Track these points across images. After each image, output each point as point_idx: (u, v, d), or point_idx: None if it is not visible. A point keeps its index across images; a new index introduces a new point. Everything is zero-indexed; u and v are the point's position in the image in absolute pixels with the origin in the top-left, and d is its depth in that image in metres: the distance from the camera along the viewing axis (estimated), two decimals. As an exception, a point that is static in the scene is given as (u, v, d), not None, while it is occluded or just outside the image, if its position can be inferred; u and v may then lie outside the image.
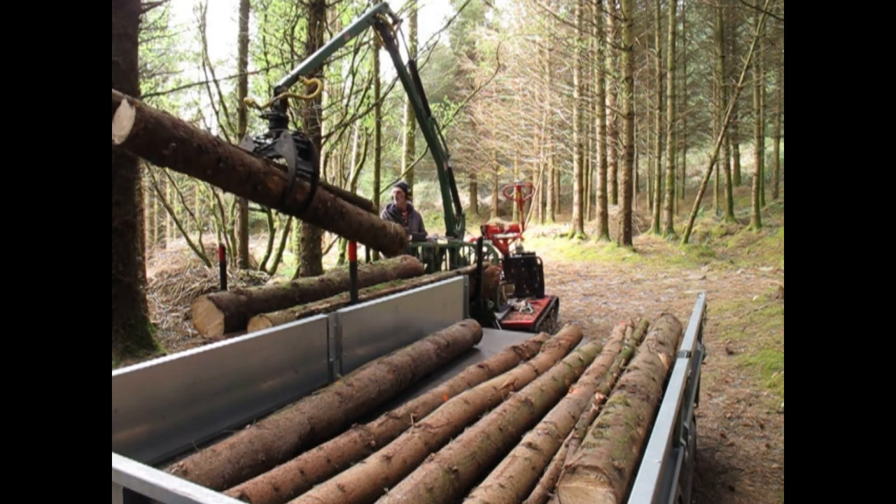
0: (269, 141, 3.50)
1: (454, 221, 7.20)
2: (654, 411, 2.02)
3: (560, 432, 2.08)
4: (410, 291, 3.88)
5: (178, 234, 17.66)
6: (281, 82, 3.89)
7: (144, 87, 10.44)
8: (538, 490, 1.71)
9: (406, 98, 18.21)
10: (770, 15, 13.45)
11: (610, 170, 20.02)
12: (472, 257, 6.74)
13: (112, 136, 2.35)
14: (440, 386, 2.64)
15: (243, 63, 12.64)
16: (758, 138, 20.42)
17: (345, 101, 12.34)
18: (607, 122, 19.18)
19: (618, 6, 17.39)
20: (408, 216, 7.32)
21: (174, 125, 2.50)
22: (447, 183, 7.02)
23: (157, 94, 12.81)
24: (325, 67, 9.62)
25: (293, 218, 12.21)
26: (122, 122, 2.33)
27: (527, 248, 9.14)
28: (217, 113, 12.49)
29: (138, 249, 6.21)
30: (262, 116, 3.77)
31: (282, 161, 3.44)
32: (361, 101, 12.07)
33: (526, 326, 6.17)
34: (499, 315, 6.25)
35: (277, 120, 3.67)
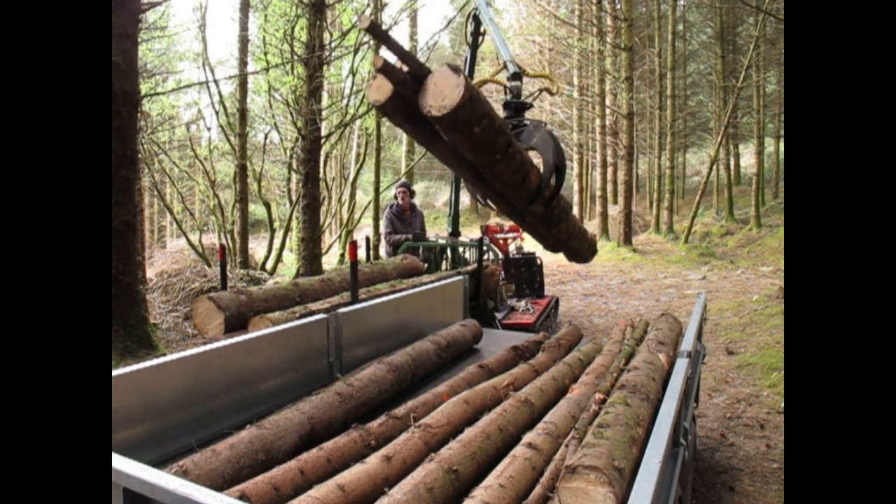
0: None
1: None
2: (654, 411, 2.02)
3: (560, 432, 2.08)
4: (410, 291, 3.88)
5: (178, 234, 17.67)
6: (515, 68, 3.51)
7: (144, 87, 10.43)
8: (538, 490, 1.71)
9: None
10: (770, 15, 13.44)
11: (610, 170, 20.03)
12: (473, 257, 6.74)
13: (425, 108, 2.02)
14: (440, 386, 2.64)
15: (243, 63, 12.64)
16: (758, 138, 20.43)
17: (345, 101, 12.34)
18: (607, 122, 19.18)
19: (618, 6, 17.39)
20: (411, 215, 7.32)
21: (485, 100, 2.21)
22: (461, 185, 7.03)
23: (157, 94, 12.82)
24: (325, 67, 9.61)
25: (293, 218, 12.24)
26: (444, 90, 1.97)
27: (527, 248, 9.14)
28: (217, 113, 12.50)
29: (138, 249, 6.21)
30: (505, 105, 3.43)
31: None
32: (361, 101, 12.06)
33: (526, 326, 6.17)
34: (499, 315, 6.25)
35: (521, 107, 3.37)
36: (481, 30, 3.68)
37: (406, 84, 2.07)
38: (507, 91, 3.46)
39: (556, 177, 3.01)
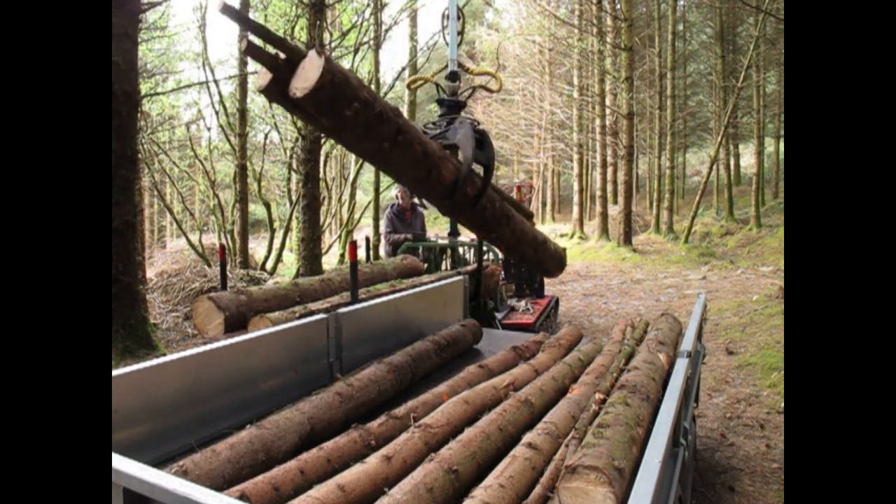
0: (435, 129, 3.13)
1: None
2: (654, 411, 2.02)
3: (560, 432, 2.08)
4: (410, 291, 3.88)
5: (178, 234, 17.67)
6: (454, 67, 3.49)
7: (144, 87, 10.43)
8: (538, 490, 1.71)
9: (406, 98, 18.27)
10: (770, 15, 13.44)
11: (610, 170, 20.02)
12: (473, 257, 6.74)
13: (292, 91, 2.04)
14: (440, 386, 2.64)
15: (243, 63, 12.63)
16: (758, 138, 20.42)
17: (345, 101, 12.30)
18: (607, 122, 19.18)
19: (618, 6, 17.39)
20: (411, 215, 7.32)
21: (359, 85, 2.20)
22: None
23: (157, 94, 12.82)
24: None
25: (293, 218, 12.24)
26: (308, 73, 2.02)
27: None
28: (217, 113, 12.50)
29: (138, 249, 6.21)
30: (438, 101, 3.43)
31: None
32: (361, 101, 12.03)
33: (526, 326, 6.17)
34: (499, 315, 6.25)
35: (454, 106, 3.35)
36: (458, 19, 3.67)
37: (280, 69, 2.07)
38: (440, 90, 3.45)
39: (484, 175, 2.97)
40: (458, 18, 3.51)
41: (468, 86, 3.85)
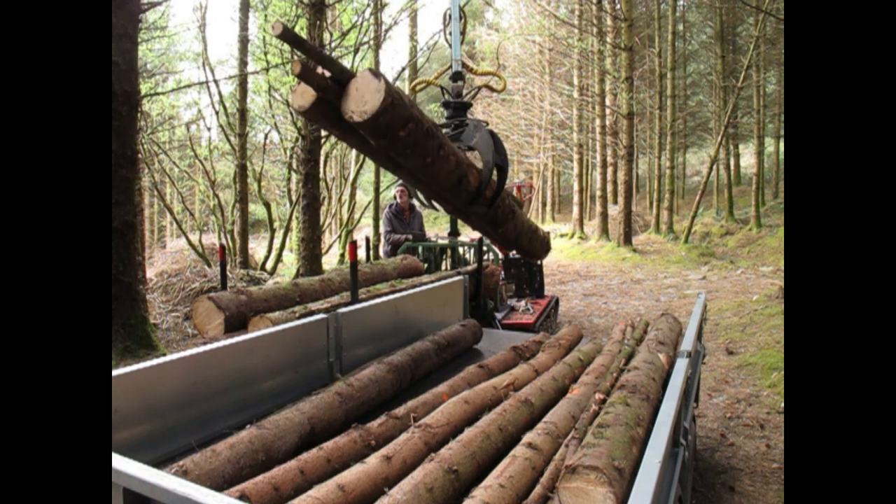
0: (445, 129, 3.10)
1: None
2: (654, 411, 2.02)
3: (560, 432, 2.08)
4: (410, 291, 3.88)
5: (178, 234, 17.66)
6: (458, 67, 3.44)
7: (144, 87, 10.44)
8: (538, 490, 1.71)
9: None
10: (770, 15, 13.45)
11: (610, 170, 20.03)
12: (473, 257, 6.74)
13: (347, 113, 1.98)
14: (440, 386, 2.64)
15: (243, 63, 12.64)
16: (758, 138, 20.43)
17: (345, 101, 12.31)
18: (607, 122, 19.18)
19: (618, 6, 17.40)
20: (410, 215, 7.33)
21: (410, 103, 2.16)
22: None
23: (157, 94, 12.82)
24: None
25: (293, 218, 12.25)
26: (364, 95, 1.94)
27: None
28: (217, 113, 12.50)
29: (138, 249, 6.21)
30: (444, 104, 3.39)
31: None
32: (361, 101, 12.04)
33: (526, 326, 6.17)
34: (499, 315, 6.25)
35: (460, 107, 3.32)
36: (460, 19, 3.56)
37: (328, 89, 2.02)
38: (445, 92, 3.41)
39: (498, 176, 3.00)
40: (461, 19, 3.49)
41: (471, 86, 3.83)
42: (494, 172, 2.97)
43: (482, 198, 2.88)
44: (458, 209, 3.11)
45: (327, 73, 2.02)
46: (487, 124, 3.15)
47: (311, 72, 1.99)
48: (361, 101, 1.96)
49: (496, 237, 3.67)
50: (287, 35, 1.86)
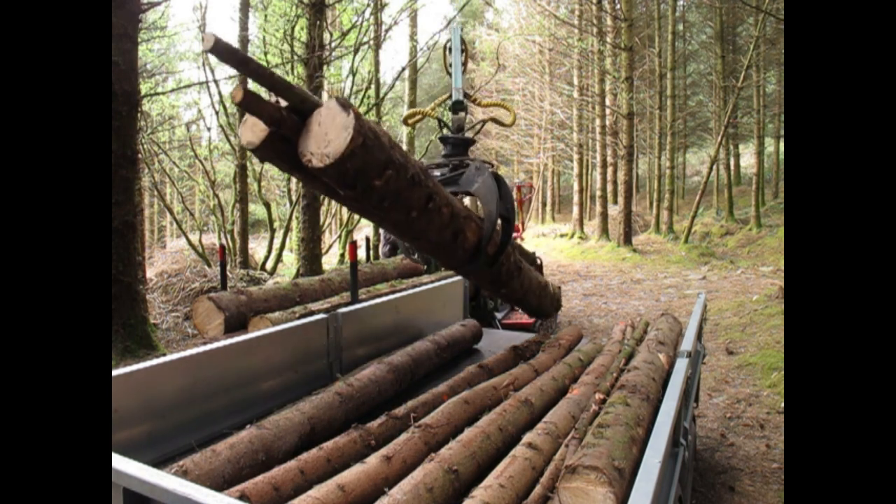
0: (440, 169, 2.64)
1: None
2: (654, 411, 2.02)
3: (560, 432, 2.08)
4: (410, 291, 3.88)
5: (178, 234, 17.67)
6: (459, 95, 2.97)
7: (144, 87, 10.44)
8: (538, 490, 1.71)
9: (406, 98, 18.28)
10: (770, 15, 13.44)
11: (610, 170, 20.03)
12: None
13: (305, 156, 1.55)
14: (440, 386, 2.64)
15: (243, 63, 12.61)
16: (758, 138, 20.43)
17: (345, 101, 12.33)
18: (607, 122, 19.18)
19: (618, 6, 17.40)
20: None
21: (391, 143, 1.72)
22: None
23: (157, 94, 12.82)
24: (325, 67, 9.63)
25: (293, 218, 12.26)
26: (328, 133, 1.51)
27: (527, 247, 9.14)
28: (217, 113, 12.50)
29: (138, 249, 6.21)
30: (442, 140, 2.88)
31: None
32: (361, 101, 12.08)
33: (526, 326, 6.17)
34: (499, 315, 6.25)
35: (461, 144, 2.82)
36: (462, 50, 3.09)
37: (283, 122, 1.59)
38: (443, 125, 2.96)
39: (503, 229, 2.54)
40: (462, 50, 3.11)
41: (473, 120, 3.34)
42: (498, 223, 2.49)
43: (483, 255, 2.41)
44: (462, 271, 2.71)
45: (283, 102, 1.61)
46: (493, 165, 2.71)
47: (258, 101, 1.56)
48: (323, 141, 1.53)
49: (498, 296, 3.29)
50: (220, 48, 1.43)
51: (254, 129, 1.64)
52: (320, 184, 1.81)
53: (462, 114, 2.98)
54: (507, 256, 2.70)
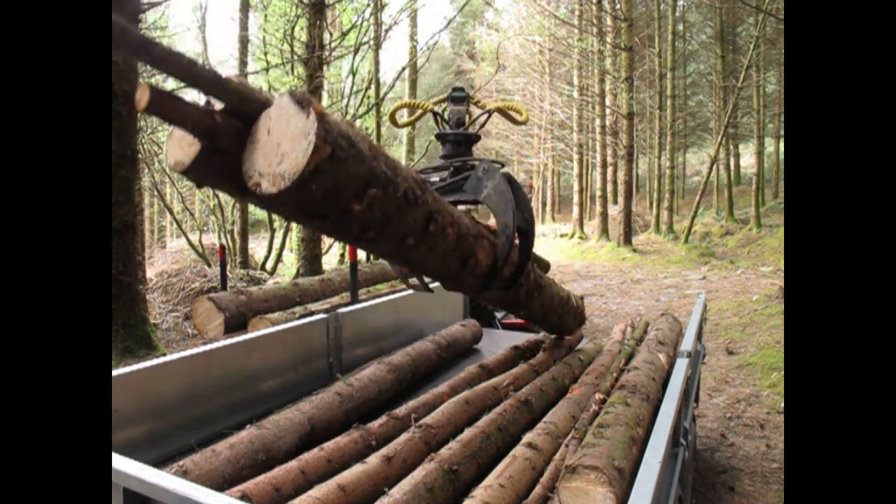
0: (440, 174, 2.23)
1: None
2: (654, 411, 2.02)
3: (560, 432, 2.08)
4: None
5: (178, 234, 17.66)
6: (459, 92, 2.50)
7: (144, 87, 10.41)
8: (538, 490, 1.71)
9: (406, 98, 18.26)
10: (770, 15, 13.45)
11: (610, 170, 20.04)
12: None
13: (251, 177, 1.14)
14: (440, 386, 2.64)
15: (243, 63, 12.65)
16: (758, 138, 20.45)
17: (345, 101, 12.35)
18: (607, 122, 19.19)
19: (618, 6, 17.40)
20: None
21: (373, 151, 1.26)
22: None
23: (157, 94, 12.79)
24: (325, 67, 9.63)
25: (293, 218, 12.21)
26: (282, 143, 1.09)
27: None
28: (217, 113, 12.49)
29: (138, 249, 6.21)
30: (440, 137, 2.45)
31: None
32: (361, 102, 12.08)
33: (526, 326, 6.16)
34: (499, 315, 6.24)
35: (464, 142, 2.41)
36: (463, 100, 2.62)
37: (219, 131, 1.13)
38: (441, 121, 2.49)
39: (521, 244, 2.09)
40: (463, 103, 2.58)
41: (476, 112, 2.87)
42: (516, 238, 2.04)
43: (499, 279, 2.01)
44: (475, 297, 2.30)
45: (217, 105, 1.14)
46: (503, 165, 2.18)
47: (174, 103, 1.09)
48: (275, 155, 1.10)
49: (517, 317, 2.89)
50: (118, 30, 1.01)
51: (181, 144, 1.18)
52: (282, 210, 1.29)
53: (464, 106, 2.53)
54: (527, 274, 2.27)
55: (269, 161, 1.11)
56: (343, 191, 1.20)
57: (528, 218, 2.06)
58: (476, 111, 2.81)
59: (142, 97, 1.08)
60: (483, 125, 2.73)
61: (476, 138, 2.51)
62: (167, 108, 1.09)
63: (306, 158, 1.06)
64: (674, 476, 1.97)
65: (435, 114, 2.59)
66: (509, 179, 2.05)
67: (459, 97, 2.49)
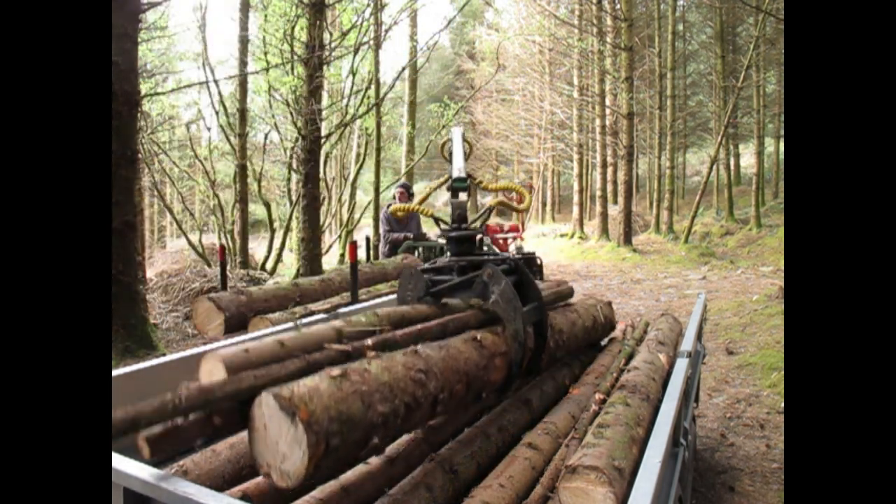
0: (443, 275, 2.17)
1: None
2: (654, 411, 2.02)
3: (560, 432, 2.08)
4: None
5: (178, 234, 17.69)
6: (461, 173, 2.41)
7: (144, 87, 10.44)
8: (538, 490, 1.71)
9: (406, 98, 18.27)
10: (770, 15, 13.45)
11: (610, 170, 20.04)
12: None
13: (262, 465, 1.20)
14: (440, 386, 2.63)
15: (243, 63, 12.66)
16: (758, 138, 20.46)
17: (345, 101, 12.36)
18: (607, 122, 19.20)
19: (618, 6, 17.41)
20: (406, 215, 7.33)
21: (366, 403, 1.29)
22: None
23: (157, 94, 12.82)
24: (325, 67, 9.63)
25: (293, 218, 12.27)
26: (278, 442, 1.16)
27: (527, 248, 9.15)
28: (217, 113, 12.51)
29: (138, 249, 6.21)
30: (443, 237, 2.39)
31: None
32: (361, 102, 12.08)
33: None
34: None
35: (467, 241, 2.28)
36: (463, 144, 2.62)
37: (220, 429, 1.29)
38: (440, 223, 2.46)
39: (536, 340, 2.06)
40: (465, 192, 2.50)
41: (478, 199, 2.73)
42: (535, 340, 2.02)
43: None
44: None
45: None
46: (515, 265, 2.15)
47: (175, 433, 1.23)
48: (277, 452, 1.17)
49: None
50: None
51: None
52: None
53: (464, 196, 2.42)
54: (547, 348, 2.20)
55: (273, 456, 1.19)
56: (347, 456, 1.29)
57: (539, 308, 2.05)
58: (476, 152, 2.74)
59: (144, 450, 1.19)
60: (487, 219, 2.72)
61: (480, 232, 2.45)
62: (170, 443, 1.21)
63: (304, 465, 1.15)
64: (674, 476, 1.97)
65: (436, 219, 2.55)
66: (518, 272, 2.07)
67: (459, 188, 2.38)
